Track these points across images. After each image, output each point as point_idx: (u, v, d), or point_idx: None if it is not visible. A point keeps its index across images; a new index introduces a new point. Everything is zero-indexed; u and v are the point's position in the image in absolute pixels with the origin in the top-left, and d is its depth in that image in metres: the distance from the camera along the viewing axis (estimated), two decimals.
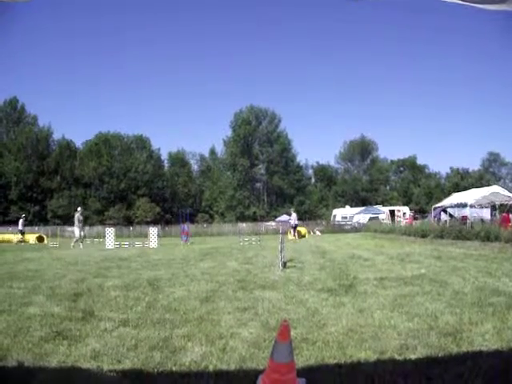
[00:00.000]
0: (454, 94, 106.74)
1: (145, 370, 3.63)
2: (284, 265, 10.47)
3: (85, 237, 23.15)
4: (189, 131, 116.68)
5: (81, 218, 22.72)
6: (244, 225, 48.01)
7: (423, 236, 22.05)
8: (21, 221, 31.89)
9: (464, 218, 24.78)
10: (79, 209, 23.59)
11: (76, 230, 22.56)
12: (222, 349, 4.12)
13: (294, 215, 29.54)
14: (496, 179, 73.07)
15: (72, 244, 22.03)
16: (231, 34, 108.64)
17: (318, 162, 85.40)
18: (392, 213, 45.96)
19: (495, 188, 27.27)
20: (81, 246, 21.78)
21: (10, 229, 45.97)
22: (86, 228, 46.41)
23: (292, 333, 3.63)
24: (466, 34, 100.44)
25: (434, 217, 30.97)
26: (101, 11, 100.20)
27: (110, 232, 22.96)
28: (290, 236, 29.39)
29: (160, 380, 3.45)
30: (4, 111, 70.94)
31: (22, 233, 31.09)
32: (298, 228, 32.01)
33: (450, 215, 29.34)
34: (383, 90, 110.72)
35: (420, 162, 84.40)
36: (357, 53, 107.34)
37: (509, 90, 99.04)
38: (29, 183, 64.93)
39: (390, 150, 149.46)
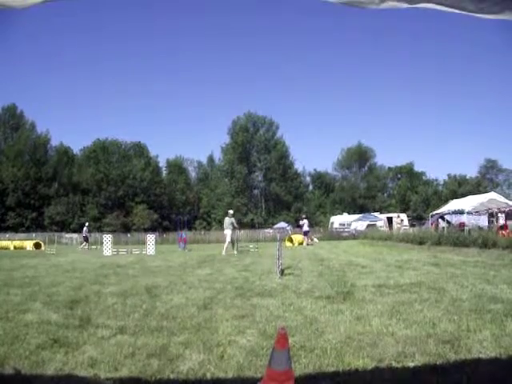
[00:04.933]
0: (451, 101, 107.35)
1: (142, 377, 3.62)
2: (282, 272, 10.44)
3: (236, 242, 20.54)
4: (186, 138, 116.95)
5: (234, 220, 20.49)
6: (242, 232, 47.90)
7: (421, 243, 22.04)
8: (85, 228, 32.62)
9: (461, 225, 24.80)
10: (231, 211, 21.31)
11: (228, 235, 20.13)
12: (219, 356, 4.11)
13: (305, 221, 29.66)
14: (493, 186, 73.21)
15: (223, 252, 19.26)
16: (230, 41, 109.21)
17: (315, 169, 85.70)
18: (390, 220, 45.99)
19: (492, 195, 27.36)
20: (235, 252, 19.73)
21: (8, 235, 45.83)
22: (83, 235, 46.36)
23: (290, 340, 3.63)
24: (463, 42, 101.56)
25: (432, 223, 30.99)
26: (100, 19, 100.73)
27: (107, 239, 22.92)
28: (288, 243, 29.41)
29: None
30: (2, 117, 70.96)
31: (87, 239, 31.47)
32: (294, 236, 32.04)
33: (448, 222, 29.36)
34: (380, 97, 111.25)
35: (417, 168, 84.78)
36: (355, 61, 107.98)
37: (506, 97, 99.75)
38: (26, 190, 64.83)
39: (387, 157, 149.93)
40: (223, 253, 19.14)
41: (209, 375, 3.66)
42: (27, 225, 63.91)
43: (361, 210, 67.34)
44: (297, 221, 44.91)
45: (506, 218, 25.89)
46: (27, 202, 65.20)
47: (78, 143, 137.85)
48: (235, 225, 20.68)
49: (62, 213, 66.01)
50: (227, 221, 20.49)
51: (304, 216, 31.88)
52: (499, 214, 28.31)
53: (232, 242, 20.27)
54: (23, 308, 6.48)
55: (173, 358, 4.07)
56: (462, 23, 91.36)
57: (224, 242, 20.65)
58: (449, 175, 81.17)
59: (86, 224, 34.58)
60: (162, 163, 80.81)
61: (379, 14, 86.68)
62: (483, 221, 29.93)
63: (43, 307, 6.56)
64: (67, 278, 10.55)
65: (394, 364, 3.85)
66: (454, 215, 29.67)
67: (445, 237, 20.59)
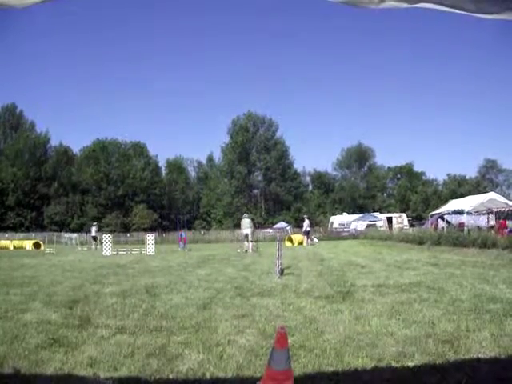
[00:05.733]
0: (451, 101, 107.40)
1: (142, 377, 3.62)
2: (281, 272, 10.45)
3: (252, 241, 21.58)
4: (186, 138, 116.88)
5: (250, 222, 21.77)
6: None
7: (420, 243, 22.05)
8: (93, 228, 33.21)
9: (461, 225, 24.80)
10: (246, 215, 22.71)
11: (250, 234, 21.39)
12: (219, 356, 4.11)
13: (306, 222, 29.80)
14: (493, 186, 73.18)
15: (249, 250, 20.75)
16: (229, 41, 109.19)
17: (315, 169, 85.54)
18: (389, 220, 45.96)
19: (492, 195, 27.32)
20: (239, 250, 21.13)
21: (7, 235, 45.80)
22: (83, 235, 46.37)
23: (289, 340, 3.63)
24: (462, 42, 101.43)
25: (432, 224, 30.98)
26: (99, 19, 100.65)
27: (107, 239, 22.92)
28: (288, 243, 29.39)
29: None
30: (2, 117, 70.96)
31: (95, 239, 31.83)
32: (294, 236, 32.07)
33: (447, 222, 29.37)
34: (380, 97, 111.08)
35: (417, 168, 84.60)
36: (355, 61, 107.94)
37: (506, 97, 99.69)
38: (26, 189, 64.84)
39: (387, 157, 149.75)
40: (249, 251, 20.56)
41: (208, 375, 3.66)
42: (27, 224, 63.92)
43: (360, 209, 67.25)
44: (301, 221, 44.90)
45: (506, 218, 25.92)
46: (27, 201, 65.21)
47: (77, 143, 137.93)
48: (251, 225, 21.84)
49: (61, 212, 66.03)
50: (248, 222, 21.70)
51: (306, 216, 31.97)
52: (489, 215, 28.52)
53: (245, 240, 21.40)
54: (23, 307, 6.48)
55: (172, 358, 4.07)
56: (462, 23, 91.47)
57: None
58: (448, 175, 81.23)
59: (95, 224, 35.13)
60: (162, 163, 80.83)
61: (379, 14, 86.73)
62: (483, 221, 29.98)
63: (43, 307, 6.56)
64: (67, 277, 10.55)
65: (394, 364, 3.85)
66: (453, 215, 29.66)
67: (444, 237, 20.60)
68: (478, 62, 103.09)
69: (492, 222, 26.69)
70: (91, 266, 13.83)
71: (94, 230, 32.88)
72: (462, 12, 2.37)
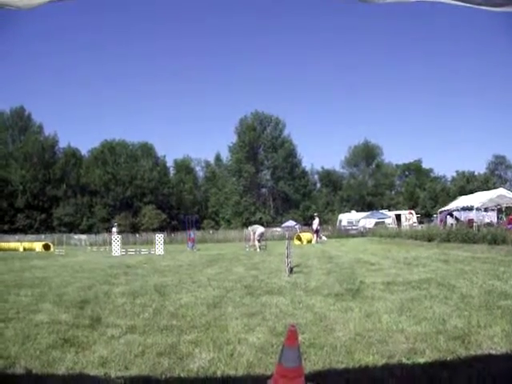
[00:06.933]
0: (458, 97, 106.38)
1: (152, 376, 3.64)
2: (291, 270, 10.45)
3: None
4: (194, 138, 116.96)
5: (258, 232, 23.19)
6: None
7: (430, 240, 21.93)
8: (114, 229, 33.79)
9: (470, 222, 24.65)
10: (258, 226, 24.44)
11: (253, 242, 23.05)
12: (229, 354, 4.12)
13: (316, 220, 30.49)
14: (502, 182, 72.65)
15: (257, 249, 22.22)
16: (236, 41, 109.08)
17: (323, 168, 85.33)
18: (398, 217, 45.78)
19: (501, 191, 27.15)
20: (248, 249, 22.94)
21: (17, 237, 46.10)
22: (92, 236, 46.60)
23: (300, 338, 3.63)
24: (470, 38, 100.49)
25: (441, 220, 30.81)
26: (105, 22, 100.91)
27: (116, 239, 23.03)
28: (297, 241, 29.41)
29: None
30: (10, 120, 71.36)
31: None
32: (302, 234, 32.12)
33: (456, 219, 29.19)
34: (388, 94, 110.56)
35: (425, 165, 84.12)
36: (362, 58, 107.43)
37: None
38: (35, 191, 65.16)
39: (395, 155, 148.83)
40: (258, 249, 21.88)
41: (219, 373, 3.67)
42: (36, 226, 64.21)
43: (369, 207, 67.02)
44: (310, 219, 45.14)
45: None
46: (36, 203, 65.53)
47: (85, 145, 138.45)
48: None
49: (70, 214, 66.30)
50: (259, 226, 24.83)
51: (316, 215, 32.30)
52: (490, 213, 28.50)
53: (257, 239, 22.96)
54: (33, 308, 6.53)
55: (182, 357, 4.09)
56: (470, 19, 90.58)
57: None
58: (457, 172, 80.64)
59: (115, 224, 35.62)
60: (170, 163, 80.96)
61: (386, 12, 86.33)
62: (492, 217, 29.81)
63: (53, 307, 6.60)
64: (77, 278, 10.61)
65: (405, 361, 3.84)
66: (462, 212, 29.51)
67: (453, 233, 20.48)
68: (486, 58, 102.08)
69: (489, 220, 26.72)
70: (101, 267, 13.89)
71: (114, 230, 33.40)
72: (469, 5, 2.35)
